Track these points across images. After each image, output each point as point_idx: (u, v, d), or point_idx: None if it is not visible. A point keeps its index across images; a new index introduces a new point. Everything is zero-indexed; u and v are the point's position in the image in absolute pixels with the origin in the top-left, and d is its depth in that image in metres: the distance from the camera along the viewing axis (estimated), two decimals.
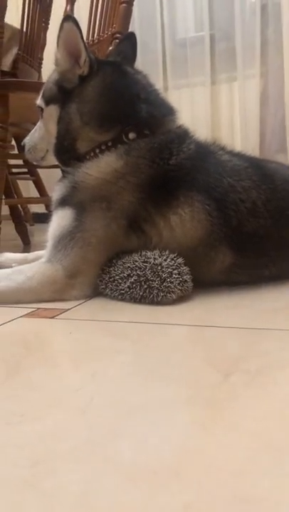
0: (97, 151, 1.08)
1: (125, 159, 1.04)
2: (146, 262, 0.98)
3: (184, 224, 1.01)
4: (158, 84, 3.04)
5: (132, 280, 0.98)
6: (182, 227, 1.01)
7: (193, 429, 0.51)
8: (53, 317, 0.94)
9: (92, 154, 1.09)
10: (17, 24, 2.05)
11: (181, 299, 0.98)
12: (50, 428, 0.52)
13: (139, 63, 2.98)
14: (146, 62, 3.02)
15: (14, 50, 2.07)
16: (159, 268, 0.97)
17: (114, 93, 1.10)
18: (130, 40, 1.25)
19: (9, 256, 1.39)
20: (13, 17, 2.11)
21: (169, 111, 1.14)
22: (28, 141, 1.26)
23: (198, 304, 0.97)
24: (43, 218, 1.12)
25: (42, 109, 1.18)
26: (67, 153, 1.13)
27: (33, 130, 1.25)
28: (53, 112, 1.14)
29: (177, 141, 1.07)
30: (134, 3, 1.74)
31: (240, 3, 2.80)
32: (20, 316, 0.94)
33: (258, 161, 1.21)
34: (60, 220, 1.06)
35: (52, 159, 1.22)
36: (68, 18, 1.05)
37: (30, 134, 1.26)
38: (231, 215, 1.03)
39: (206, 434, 0.49)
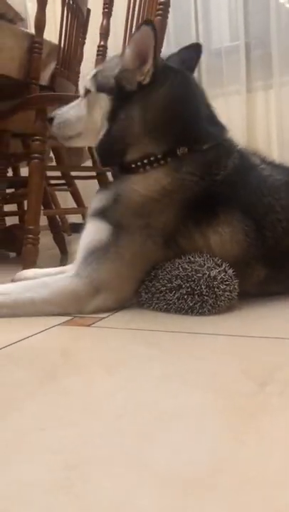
0: (146, 161, 1.05)
1: (173, 176, 1.03)
2: (199, 272, 0.96)
3: (223, 244, 1.01)
4: None
5: (184, 292, 0.96)
6: (220, 247, 1.01)
7: (227, 438, 0.50)
8: (89, 325, 0.95)
9: (139, 164, 1.05)
10: (55, 40, 2.11)
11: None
12: (85, 434, 0.53)
13: None
14: None
15: (52, 65, 2.12)
16: (215, 283, 0.95)
17: (182, 106, 1.07)
18: (196, 50, 1.23)
19: (37, 272, 1.37)
20: (51, 33, 2.17)
21: (222, 129, 1.14)
22: (59, 115, 1.20)
23: (231, 313, 0.96)
24: (80, 228, 1.11)
25: (88, 90, 1.14)
26: (113, 155, 1.11)
27: (68, 106, 1.20)
28: (102, 101, 1.10)
29: (225, 156, 1.07)
30: (169, 15, 1.75)
31: (276, 11, 2.78)
32: (57, 325, 0.96)
33: None
34: (96, 232, 1.05)
35: (79, 142, 1.23)
36: (149, 22, 1.02)
37: (62, 109, 1.21)
38: (268, 236, 1.03)
39: (241, 444, 0.49)
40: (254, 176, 1.07)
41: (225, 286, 0.95)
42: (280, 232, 1.04)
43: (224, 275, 0.96)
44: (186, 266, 0.97)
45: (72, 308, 1.01)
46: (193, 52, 1.22)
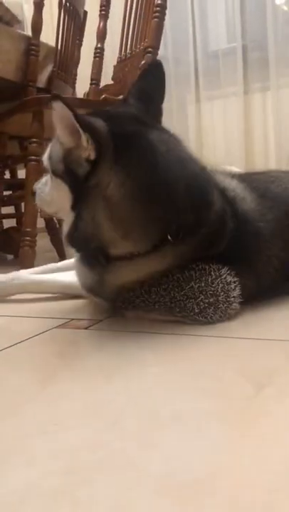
0: (136, 255, 0.90)
1: (168, 263, 0.91)
2: (217, 277, 0.90)
3: None
4: (190, 96, 3.07)
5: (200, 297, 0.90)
6: None
7: (225, 442, 0.50)
8: (86, 328, 0.95)
9: (128, 257, 0.91)
10: (52, 42, 2.11)
11: None
12: (83, 438, 0.53)
13: (172, 76, 3.00)
14: (178, 75, 3.04)
15: (49, 68, 2.12)
16: (230, 288, 0.91)
17: (150, 194, 0.88)
18: (155, 71, 1.00)
19: (36, 271, 1.34)
20: (48, 35, 2.17)
21: (207, 190, 0.94)
22: (38, 191, 1.03)
23: (229, 316, 0.96)
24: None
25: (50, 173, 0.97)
26: (88, 250, 0.95)
27: (44, 180, 1.02)
28: (62, 188, 0.92)
29: (222, 228, 0.94)
30: (166, 17, 1.75)
31: (272, 13, 2.79)
32: (55, 327, 0.96)
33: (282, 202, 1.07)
34: None
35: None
36: (56, 97, 0.85)
37: (40, 182, 1.04)
38: (262, 278, 1.00)
39: (239, 448, 0.49)
40: (250, 232, 0.98)
41: (236, 293, 0.92)
42: (270, 270, 1.00)
43: (236, 281, 0.92)
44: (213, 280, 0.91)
45: None
46: (152, 75, 1.00)
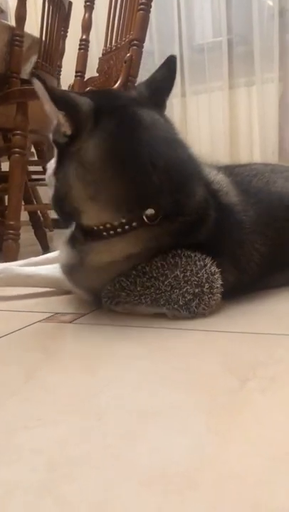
0: (110, 232, 0.90)
1: (144, 245, 0.90)
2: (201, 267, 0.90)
3: None
4: (176, 90, 3.06)
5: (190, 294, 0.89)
6: None
7: (209, 435, 0.50)
8: (71, 321, 0.94)
9: (103, 233, 0.91)
10: (36, 33, 2.08)
11: None
12: (67, 433, 0.52)
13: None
14: None
15: (33, 59, 2.10)
16: (214, 278, 0.90)
17: (123, 161, 0.88)
18: (170, 65, 1.05)
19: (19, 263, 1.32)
20: (33, 26, 2.14)
21: (190, 177, 0.94)
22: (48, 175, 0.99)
23: (214, 309, 0.96)
24: (62, 224, 1.09)
25: None
26: (66, 216, 0.96)
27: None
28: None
29: (202, 219, 0.93)
30: (152, 9, 1.74)
31: (258, 8, 2.79)
32: (39, 321, 0.95)
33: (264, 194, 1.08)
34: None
35: None
36: (34, 75, 0.89)
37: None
38: (246, 270, 0.99)
39: (223, 441, 0.49)
40: (233, 222, 0.98)
41: (218, 284, 0.91)
42: (253, 263, 1.00)
43: (218, 272, 0.92)
44: (194, 268, 0.90)
45: None
46: (165, 68, 1.04)
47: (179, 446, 0.48)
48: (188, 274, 0.89)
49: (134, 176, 0.88)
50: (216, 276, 0.91)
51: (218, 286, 0.91)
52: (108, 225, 0.90)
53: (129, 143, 0.88)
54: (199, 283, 0.89)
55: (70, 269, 1.00)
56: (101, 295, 0.94)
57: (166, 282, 0.88)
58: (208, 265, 0.91)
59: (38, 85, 0.88)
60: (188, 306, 0.89)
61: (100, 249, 0.93)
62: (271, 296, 1.05)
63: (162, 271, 0.89)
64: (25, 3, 1.94)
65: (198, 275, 0.89)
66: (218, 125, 2.96)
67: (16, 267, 1.22)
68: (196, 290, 0.89)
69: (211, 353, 0.75)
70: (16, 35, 1.90)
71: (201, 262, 0.90)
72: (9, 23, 2.09)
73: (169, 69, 1.04)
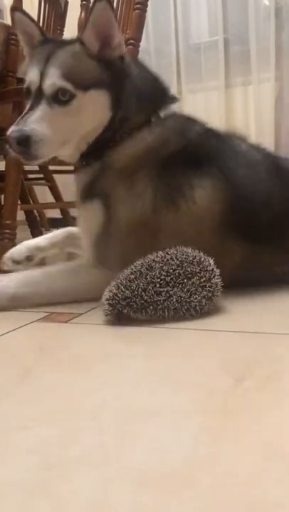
0: (133, 131, 1.06)
1: (157, 132, 1.06)
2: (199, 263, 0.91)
3: (207, 198, 1.01)
4: (172, 89, 3.06)
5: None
6: (203, 203, 1.01)
7: (205, 435, 0.50)
8: (67, 321, 0.94)
9: (125, 136, 1.05)
10: None
11: None
12: (63, 432, 0.52)
13: (154, 68, 2.99)
14: (160, 67, 3.02)
15: None
16: (214, 276, 0.91)
17: (152, 75, 1.14)
18: None
19: (29, 246, 1.28)
20: None
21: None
22: (34, 131, 0.95)
23: (210, 308, 0.96)
24: (59, 223, 1.09)
25: (70, 96, 0.99)
26: (103, 145, 1.05)
27: (34, 117, 0.97)
28: (99, 98, 1.02)
29: (192, 120, 1.14)
30: (148, 8, 1.74)
31: (254, 7, 2.79)
32: (35, 321, 0.95)
33: (273, 156, 1.22)
34: (90, 216, 1.05)
35: (53, 154, 1.07)
36: None
37: (26, 121, 0.96)
38: (245, 204, 1.02)
39: (218, 440, 0.49)
40: (230, 147, 1.12)
41: (217, 281, 0.92)
42: (258, 202, 1.04)
43: (217, 270, 0.93)
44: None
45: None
46: None
47: (175, 445, 0.48)
48: (203, 280, 0.89)
49: (155, 82, 1.14)
50: (219, 279, 0.92)
51: (218, 281, 0.92)
52: (134, 130, 1.05)
53: (147, 66, 1.16)
54: (213, 288, 0.90)
55: (87, 190, 1.06)
56: (119, 305, 0.88)
57: (184, 289, 0.88)
58: (216, 270, 0.92)
59: (105, 8, 0.98)
60: (203, 308, 0.90)
61: (121, 146, 1.04)
62: (269, 294, 1.05)
63: (181, 280, 0.89)
64: (21, 2, 1.93)
65: (212, 281, 0.90)
66: (214, 124, 2.96)
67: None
68: (210, 294, 0.90)
69: (207, 352, 0.75)
70: (12, 34, 1.89)
71: (212, 267, 0.91)
72: (5, 21, 2.08)
73: None
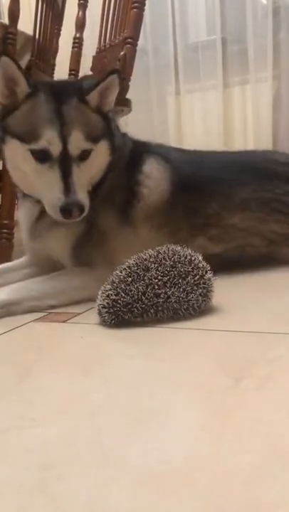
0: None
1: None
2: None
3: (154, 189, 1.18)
4: (170, 88, 3.06)
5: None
6: (151, 192, 1.17)
7: (203, 434, 0.50)
8: (64, 321, 0.94)
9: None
10: (29, 31, 2.07)
11: None
12: (61, 432, 0.52)
13: (151, 67, 2.99)
14: (158, 67, 3.02)
15: (27, 57, 2.08)
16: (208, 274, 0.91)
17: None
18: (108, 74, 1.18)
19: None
20: (26, 24, 2.13)
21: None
22: (85, 201, 1.03)
23: (211, 308, 0.96)
24: None
25: (89, 153, 1.07)
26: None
27: (77, 186, 1.02)
28: (105, 146, 1.11)
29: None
30: (146, 7, 1.74)
31: (252, 7, 2.79)
32: (32, 321, 0.95)
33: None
34: (70, 228, 1.13)
35: None
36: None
37: (74, 191, 1.01)
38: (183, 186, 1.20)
39: (217, 440, 0.49)
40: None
41: (210, 276, 0.92)
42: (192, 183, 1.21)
43: (207, 265, 0.93)
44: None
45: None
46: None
47: (173, 444, 0.48)
48: (196, 278, 0.89)
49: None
50: (212, 274, 0.92)
51: (211, 277, 0.92)
52: None
53: None
54: (207, 284, 0.90)
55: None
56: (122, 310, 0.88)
57: (181, 289, 0.88)
58: (207, 266, 0.92)
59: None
60: (200, 306, 0.90)
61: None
62: (267, 293, 1.05)
63: (176, 280, 0.88)
64: (18, 1, 1.92)
65: (205, 277, 0.90)
66: (212, 123, 2.96)
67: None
68: (205, 291, 0.90)
69: (206, 352, 0.75)
70: (9, 33, 1.88)
71: (202, 264, 0.91)
72: (2, 21, 2.08)
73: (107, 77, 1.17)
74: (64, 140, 1.03)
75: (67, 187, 1.01)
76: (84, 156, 1.06)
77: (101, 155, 1.11)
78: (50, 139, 1.02)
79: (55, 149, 1.02)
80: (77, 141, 1.04)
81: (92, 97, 1.09)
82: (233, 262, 1.19)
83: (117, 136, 1.17)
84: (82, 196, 1.03)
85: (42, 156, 1.03)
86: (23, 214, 1.20)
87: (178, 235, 1.16)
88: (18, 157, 1.06)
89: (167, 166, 1.21)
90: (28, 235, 1.19)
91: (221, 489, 0.41)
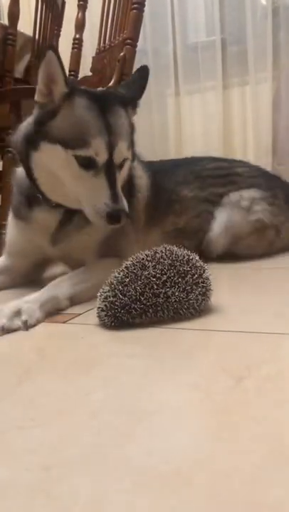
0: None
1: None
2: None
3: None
4: (170, 89, 3.06)
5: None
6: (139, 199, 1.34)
7: (204, 434, 0.50)
8: (65, 322, 0.94)
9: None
10: (29, 32, 2.07)
11: None
12: (61, 433, 0.52)
13: (151, 68, 3.00)
14: (157, 67, 3.02)
15: (27, 58, 2.09)
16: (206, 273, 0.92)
17: None
18: (141, 73, 1.24)
19: None
20: (26, 25, 2.13)
21: None
22: (126, 205, 1.07)
23: (209, 308, 0.96)
24: None
25: (124, 161, 1.12)
26: None
27: (121, 194, 1.07)
28: (132, 152, 1.16)
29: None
30: (145, 8, 1.74)
31: (251, 7, 2.78)
32: None
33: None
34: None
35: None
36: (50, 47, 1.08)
37: (120, 199, 1.06)
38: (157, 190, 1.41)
39: (217, 440, 0.49)
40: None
41: (208, 275, 0.92)
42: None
43: (204, 264, 0.94)
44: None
45: None
46: (137, 76, 1.25)
47: (174, 444, 0.48)
48: (195, 277, 0.89)
49: None
50: (209, 273, 0.92)
51: (209, 276, 0.92)
52: None
53: None
54: (205, 283, 0.90)
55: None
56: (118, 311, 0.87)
57: (181, 289, 0.88)
58: (204, 265, 0.92)
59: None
60: (200, 306, 0.90)
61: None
62: (264, 293, 1.05)
63: (176, 279, 0.88)
64: (18, 2, 1.93)
65: (203, 276, 0.90)
66: (212, 124, 2.96)
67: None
68: (204, 290, 0.90)
69: (206, 352, 0.75)
70: (9, 34, 1.89)
71: (200, 263, 0.91)
72: (2, 22, 2.08)
73: (141, 77, 1.23)
74: (111, 150, 1.05)
75: (115, 194, 1.04)
76: (122, 164, 1.10)
77: (129, 161, 1.16)
78: (98, 149, 1.04)
79: (102, 158, 1.05)
80: (121, 151, 1.08)
81: (130, 113, 1.15)
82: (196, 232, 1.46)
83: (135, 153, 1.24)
84: (125, 203, 1.06)
85: (87, 163, 1.04)
86: (39, 222, 1.19)
87: (156, 216, 1.39)
88: (58, 162, 1.06)
89: (148, 173, 1.41)
90: (47, 240, 1.19)
91: (222, 489, 0.41)
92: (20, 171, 1.22)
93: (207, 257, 1.31)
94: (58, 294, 1.02)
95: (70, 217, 1.16)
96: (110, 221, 1.04)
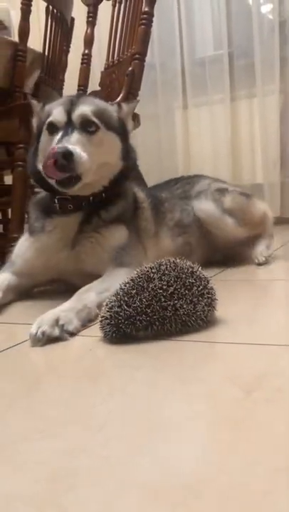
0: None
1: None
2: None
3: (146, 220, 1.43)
4: (177, 102, 3.08)
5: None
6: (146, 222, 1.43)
7: (214, 446, 0.50)
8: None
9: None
10: (39, 48, 2.11)
11: None
12: (69, 444, 0.52)
13: (159, 83, 3.02)
14: (165, 81, 3.05)
15: (36, 73, 2.12)
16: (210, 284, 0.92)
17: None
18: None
19: None
20: (36, 41, 2.17)
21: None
22: (77, 152, 1.10)
23: (217, 320, 0.96)
24: None
25: (95, 128, 1.17)
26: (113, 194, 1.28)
27: (73, 141, 1.11)
28: (114, 141, 1.22)
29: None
30: (153, 24, 1.76)
31: (258, 21, 2.81)
32: None
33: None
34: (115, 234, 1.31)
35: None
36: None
37: (69, 145, 1.10)
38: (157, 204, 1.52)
39: (227, 452, 0.49)
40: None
41: (212, 285, 0.92)
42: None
43: (207, 275, 0.94)
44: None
45: None
46: None
47: (183, 457, 0.48)
48: (200, 289, 0.89)
49: None
50: (212, 283, 0.92)
51: (213, 286, 0.92)
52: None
53: None
54: (211, 294, 0.90)
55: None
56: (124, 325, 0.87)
57: (188, 301, 0.88)
58: (207, 276, 0.92)
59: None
60: (207, 317, 0.90)
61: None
62: (270, 304, 1.04)
63: (183, 291, 0.88)
64: (28, 19, 1.96)
65: (208, 287, 0.90)
66: (219, 137, 2.97)
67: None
68: (209, 301, 0.90)
69: (215, 364, 0.74)
70: (19, 50, 1.92)
71: (203, 275, 0.91)
72: (12, 38, 2.11)
73: None
74: (69, 112, 1.16)
75: (61, 140, 1.13)
76: (87, 126, 1.16)
77: (104, 132, 1.19)
78: (57, 114, 1.18)
79: (61, 120, 1.16)
80: (80, 112, 1.16)
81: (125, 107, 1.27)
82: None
83: (133, 159, 1.30)
84: (75, 148, 1.10)
85: (51, 129, 1.18)
86: (60, 227, 1.23)
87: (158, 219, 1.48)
88: (44, 139, 1.22)
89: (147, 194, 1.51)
90: (66, 246, 1.22)
91: (234, 503, 0.41)
92: (38, 195, 1.34)
93: None
94: (87, 303, 1.03)
95: (89, 219, 1.23)
96: (59, 167, 1.08)
